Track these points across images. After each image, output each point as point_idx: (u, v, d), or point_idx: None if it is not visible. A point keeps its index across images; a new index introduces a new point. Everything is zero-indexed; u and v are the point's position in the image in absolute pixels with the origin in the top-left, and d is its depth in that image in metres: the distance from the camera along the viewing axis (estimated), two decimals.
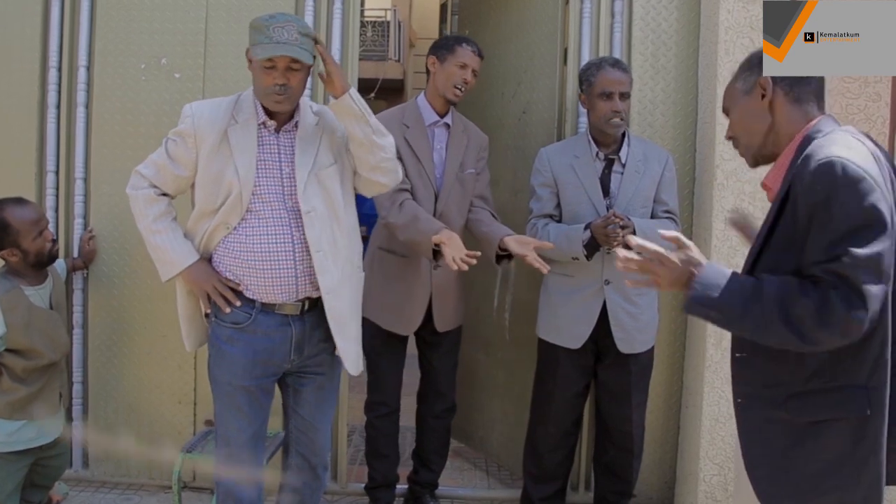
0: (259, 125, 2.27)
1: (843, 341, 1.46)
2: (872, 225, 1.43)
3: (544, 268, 2.59)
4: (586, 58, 3.15)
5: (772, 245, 1.60)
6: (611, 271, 2.73)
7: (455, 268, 2.53)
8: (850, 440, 1.53)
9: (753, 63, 1.72)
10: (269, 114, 2.28)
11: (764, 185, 1.75)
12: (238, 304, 2.26)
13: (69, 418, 3.18)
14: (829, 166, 1.45)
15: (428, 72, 2.91)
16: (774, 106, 1.68)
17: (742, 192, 2.82)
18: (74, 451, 3.23)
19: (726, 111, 1.81)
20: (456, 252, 2.52)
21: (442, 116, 2.89)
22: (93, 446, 3.28)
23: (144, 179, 2.30)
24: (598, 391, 2.93)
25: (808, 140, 1.59)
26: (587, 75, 2.77)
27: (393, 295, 2.86)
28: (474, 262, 2.53)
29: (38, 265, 2.74)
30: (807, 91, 1.67)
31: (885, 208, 1.44)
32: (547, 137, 3.24)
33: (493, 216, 2.96)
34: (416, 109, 2.89)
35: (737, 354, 1.70)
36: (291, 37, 2.15)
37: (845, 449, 1.54)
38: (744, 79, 1.74)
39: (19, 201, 2.74)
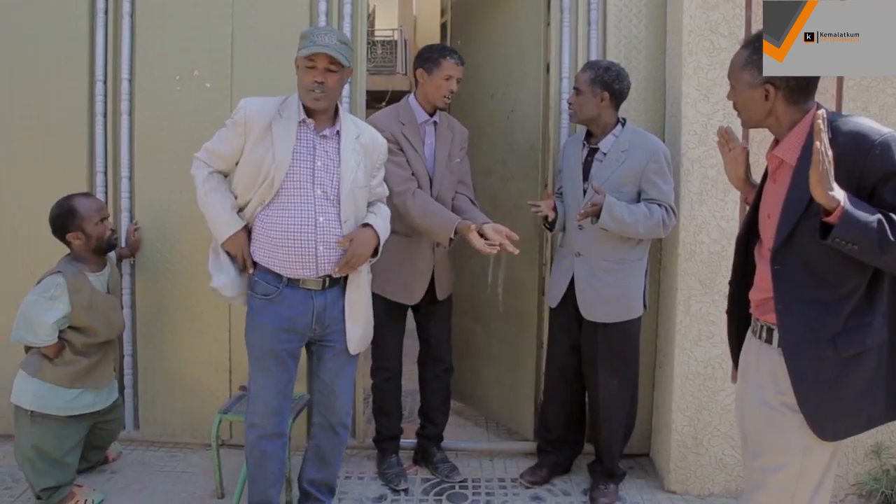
0: (300, 122, 2.33)
1: None
2: None
3: (515, 250, 2.58)
4: (567, 62, 3.17)
5: (812, 211, 1.61)
6: (582, 245, 2.78)
7: (488, 251, 2.56)
8: (875, 365, 1.66)
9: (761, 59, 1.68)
10: (309, 113, 2.34)
11: (775, 157, 1.75)
12: (251, 271, 2.38)
13: (121, 387, 3.23)
14: (860, 135, 1.58)
15: (416, 77, 2.89)
16: (775, 105, 1.70)
17: (705, 177, 2.83)
18: (126, 414, 3.28)
19: (730, 77, 1.79)
20: (479, 241, 2.57)
21: (431, 116, 2.90)
22: (142, 410, 3.32)
23: (199, 161, 2.41)
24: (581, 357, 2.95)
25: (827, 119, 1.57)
26: None
27: (398, 270, 2.87)
28: (515, 239, 2.57)
29: (98, 251, 2.78)
30: (806, 95, 1.68)
31: None
32: (533, 133, 3.26)
33: (472, 202, 2.98)
34: (409, 109, 2.89)
35: (779, 306, 1.72)
36: (331, 41, 2.25)
37: (872, 374, 1.66)
38: (752, 74, 1.70)
39: (86, 194, 2.86)
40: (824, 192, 1.51)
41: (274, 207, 2.31)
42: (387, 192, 2.64)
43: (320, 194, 2.33)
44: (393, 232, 2.85)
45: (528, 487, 2.98)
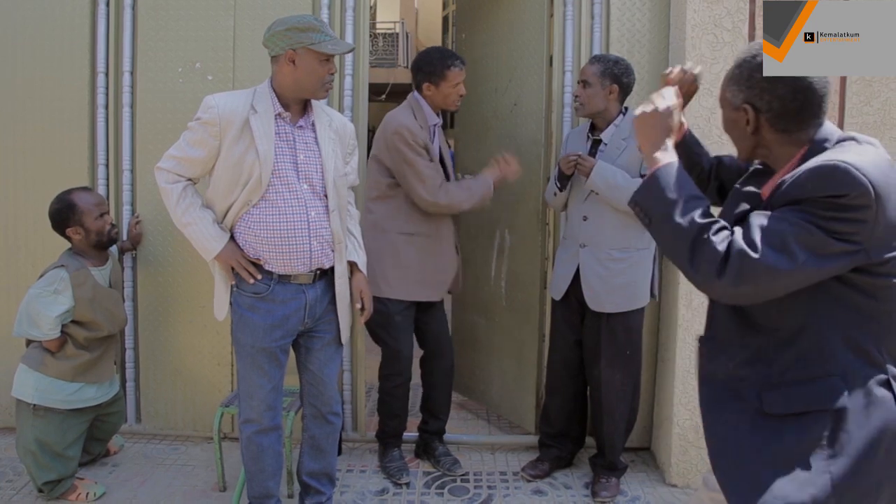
0: (276, 115, 2.26)
1: (714, 286, 1.29)
2: (844, 225, 1.22)
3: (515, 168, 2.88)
4: (570, 56, 3.14)
5: None
6: (586, 236, 2.77)
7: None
8: (822, 432, 1.29)
9: (743, 76, 1.42)
10: (284, 106, 2.28)
11: (761, 195, 1.47)
12: (259, 277, 2.27)
13: (123, 380, 3.22)
14: (831, 168, 1.23)
15: (420, 88, 2.86)
16: (761, 132, 1.41)
17: None
18: (128, 407, 3.27)
19: (721, 103, 1.51)
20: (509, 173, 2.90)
21: (439, 117, 2.93)
22: (144, 403, 3.31)
23: (168, 173, 2.27)
24: (583, 351, 2.93)
25: (814, 150, 1.35)
26: None
27: (428, 269, 2.87)
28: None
29: (99, 245, 2.76)
30: (799, 121, 1.38)
31: (865, 227, 1.22)
32: (536, 126, 3.22)
33: None
34: (423, 113, 2.86)
35: (702, 350, 1.53)
36: (338, 35, 2.18)
37: (815, 442, 1.29)
38: (733, 92, 1.44)
39: (85, 188, 2.83)
40: (647, 144, 1.43)
41: (263, 207, 2.23)
42: (357, 181, 2.60)
43: (307, 188, 2.27)
44: (412, 234, 2.85)
45: (529, 481, 2.97)
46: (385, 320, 2.86)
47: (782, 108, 1.38)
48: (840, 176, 1.22)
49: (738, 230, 1.30)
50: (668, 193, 1.35)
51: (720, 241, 1.28)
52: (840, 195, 1.21)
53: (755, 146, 1.45)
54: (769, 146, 1.43)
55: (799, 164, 1.34)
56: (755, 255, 1.24)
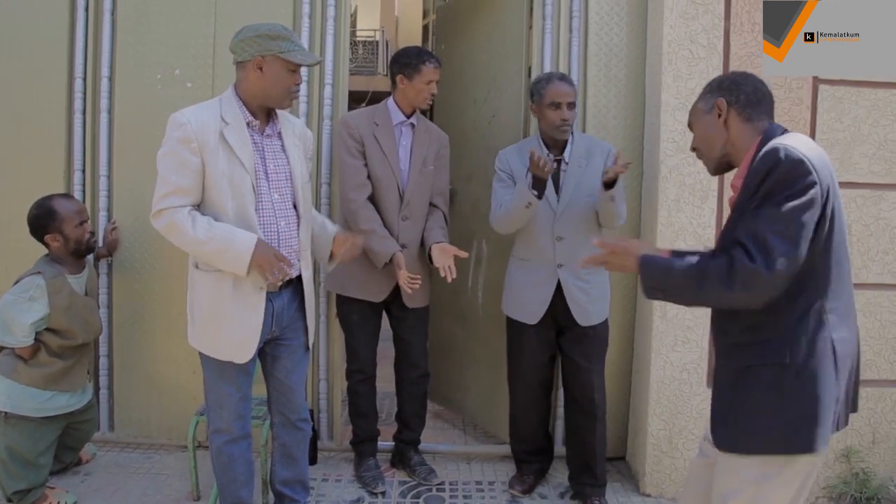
0: (246, 124, 2.23)
1: (753, 294, 1.52)
2: (798, 195, 1.47)
3: (449, 276, 2.72)
4: (548, 69, 3.16)
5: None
6: (562, 256, 2.74)
7: (409, 291, 2.73)
8: (770, 384, 1.57)
9: (713, 86, 1.77)
10: (252, 114, 2.25)
11: (732, 186, 1.75)
12: (294, 273, 2.29)
13: (96, 388, 3.19)
14: (773, 151, 1.53)
15: (394, 81, 2.89)
16: (729, 123, 1.73)
17: (683, 184, 2.86)
18: (101, 415, 3.24)
19: (690, 126, 1.85)
20: (401, 280, 2.72)
21: (408, 117, 2.91)
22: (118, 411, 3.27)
23: (170, 209, 2.13)
24: (563, 362, 2.90)
25: (764, 142, 1.64)
26: (538, 87, 2.74)
27: (362, 266, 2.83)
28: (418, 284, 2.72)
29: (77, 253, 2.73)
30: (758, 111, 1.71)
31: (817, 189, 1.49)
32: (514, 138, 3.23)
33: (444, 217, 3.02)
34: (386, 111, 2.89)
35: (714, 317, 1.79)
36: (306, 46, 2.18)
37: (767, 393, 1.57)
38: (705, 100, 1.77)
39: (66, 195, 2.82)
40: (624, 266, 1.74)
41: (236, 216, 2.19)
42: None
43: (277, 198, 2.27)
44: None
45: (518, 496, 2.95)
46: (343, 317, 2.95)
47: (747, 99, 1.71)
48: (782, 154, 1.51)
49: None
50: (660, 268, 1.67)
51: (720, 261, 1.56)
52: (788, 171, 1.49)
53: (724, 143, 1.74)
54: (734, 139, 1.73)
55: (757, 150, 1.63)
56: (753, 265, 1.49)
